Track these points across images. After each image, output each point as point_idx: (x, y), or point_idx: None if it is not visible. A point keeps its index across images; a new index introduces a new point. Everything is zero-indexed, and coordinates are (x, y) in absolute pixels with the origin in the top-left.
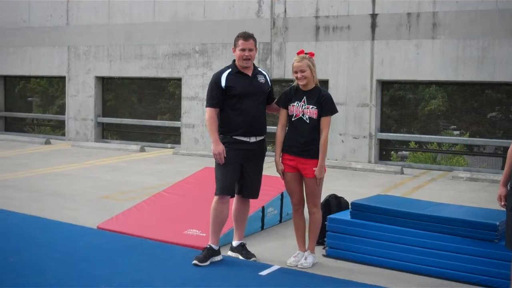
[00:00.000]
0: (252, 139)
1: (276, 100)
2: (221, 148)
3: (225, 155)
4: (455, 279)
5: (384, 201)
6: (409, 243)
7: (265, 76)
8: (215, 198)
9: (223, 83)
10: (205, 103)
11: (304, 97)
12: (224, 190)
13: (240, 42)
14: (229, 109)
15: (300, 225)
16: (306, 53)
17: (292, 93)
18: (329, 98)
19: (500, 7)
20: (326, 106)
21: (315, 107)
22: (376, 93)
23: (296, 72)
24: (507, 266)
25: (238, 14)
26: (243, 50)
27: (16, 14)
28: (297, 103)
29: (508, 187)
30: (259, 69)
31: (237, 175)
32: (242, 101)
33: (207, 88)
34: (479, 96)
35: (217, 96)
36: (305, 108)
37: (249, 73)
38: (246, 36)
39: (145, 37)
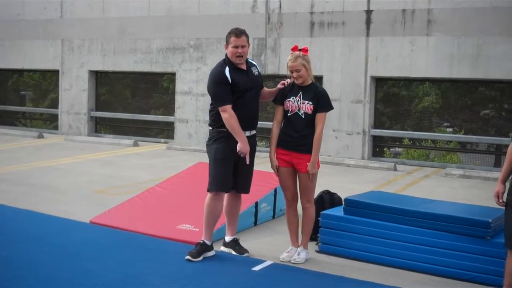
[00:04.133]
0: (247, 133)
1: (273, 98)
2: (249, 147)
3: (223, 151)
4: (447, 275)
5: (377, 198)
6: (401, 239)
7: (256, 67)
8: (210, 194)
9: (229, 79)
10: (199, 98)
11: (300, 93)
12: (221, 186)
13: (232, 39)
14: None
15: (293, 221)
16: (299, 50)
17: (288, 89)
18: (326, 95)
19: (495, 4)
20: (322, 103)
21: (311, 102)
22: (370, 90)
23: (291, 72)
24: (499, 263)
25: (233, 9)
26: (235, 47)
27: (10, 7)
28: (293, 98)
29: (508, 185)
30: (250, 60)
31: (232, 171)
32: (242, 96)
33: (201, 83)
34: (472, 93)
35: (228, 91)
36: (300, 103)
37: (244, 67)
38: (238, 33)
39: (140, 32)
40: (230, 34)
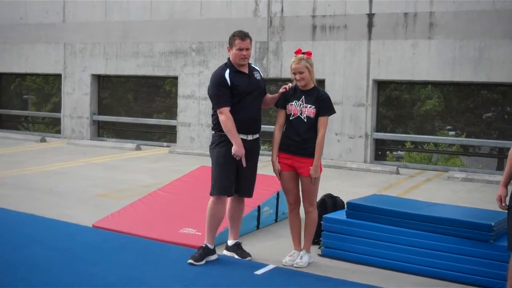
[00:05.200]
0: (249, 137)
1: (275, 102)
2: (243, 151)
3: (224, 155)
4: (450, 279)
5: (379, 201)
6: (404, 243)
7: (259, 72)
8: (212, 198)
9: (228, 81)
10: (201, 101)
11: (303, 96)
12: (223, 190)
13: (237, 41)
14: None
15: (295, 225)
16: (303, 53)
17: (291, 93)
18: (328, 99)
19: (497, 7)
20: (325, 106)
21: (313, 106)
22: (372, 93)
23: (294, 74)
24: (502, 266)
25: (235, 12)
26: (240, 49)
27: (13, 11)
28: (296, 102)
29: (511, 188)
30: (252, 65)
31: (234, 175)
32: (243, 99)
33: (203, 87)
34: (475, 96)
35: (227, 94)
36: (303, 107)
37: (246, 71)
38: (243, 36)
39: (142, 35)
40: (234, 36)
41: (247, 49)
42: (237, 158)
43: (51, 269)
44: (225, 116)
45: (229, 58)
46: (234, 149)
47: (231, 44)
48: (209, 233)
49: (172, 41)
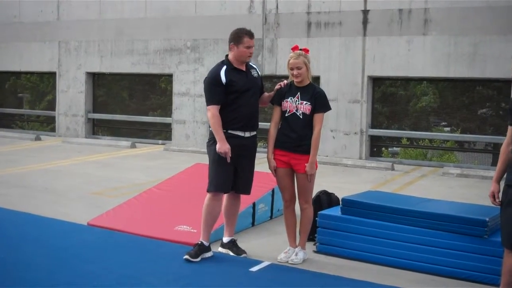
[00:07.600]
0: (247, 134)
1: (270, 100)
2: (227, 146)
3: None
4: (445, 274)
5: (374, 197)
6: (399, 239)
7: (256, 70)
8: (209, 195)
9: (223, 79)
10: (196, 99)
11: (298, 93)
12: (219, 187)
13: (246, 39)
14: (227, 105)
15: (291, 221)
16: (300, 49)
17: (285, 89)
18: (324, 95)
19: (491, 4)
20: (320, 103)
21: (309, 103)
22: (367, 89)
23: (292, 69)
24: (497, 261)
25: (230, 10)
26: (249, 47)
27: (7, 9)
28: (291, 98)
29: (503, 184)
30: (250, 63)
31: (232, 172)
32: (240, 96)
33: (198, 85)
34: (470, 92)
35: (219, 92)
36: (298, 103)
37: (243, 68)
38: (251, 34)
39: (136, 33)
40: (243, 34)
41: (253, 47)
42: (222, 155)
43: (47, 267)
44: (211, 114)
45: (227, 55)
46: (217, 147)
47: (237, 41)
48: (205, 230)
49: (167, 38)
